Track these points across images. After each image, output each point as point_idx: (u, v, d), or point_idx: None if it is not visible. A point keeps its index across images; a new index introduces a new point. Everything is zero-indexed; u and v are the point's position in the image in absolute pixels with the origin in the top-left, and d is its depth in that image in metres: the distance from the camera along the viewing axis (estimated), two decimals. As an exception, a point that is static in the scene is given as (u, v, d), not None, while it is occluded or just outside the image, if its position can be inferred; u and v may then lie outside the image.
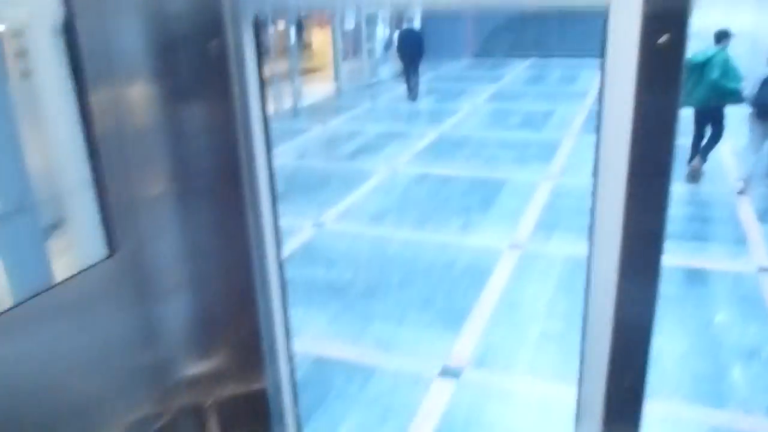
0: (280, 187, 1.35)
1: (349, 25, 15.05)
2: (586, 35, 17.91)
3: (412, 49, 13.29)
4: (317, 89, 15.02)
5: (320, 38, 17.78)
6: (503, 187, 7.78)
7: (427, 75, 16.03)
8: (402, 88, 14.18)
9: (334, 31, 14.93)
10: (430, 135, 10.75)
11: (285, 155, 9.67)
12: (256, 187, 1.24)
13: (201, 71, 1.17)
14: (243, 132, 1.20)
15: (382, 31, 16.39)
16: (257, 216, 1.26)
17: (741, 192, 7.25)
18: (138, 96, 1.16)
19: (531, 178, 8.15)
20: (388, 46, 15.80)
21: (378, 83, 16.02)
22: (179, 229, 1.25)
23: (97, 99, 1.10)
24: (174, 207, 1.23)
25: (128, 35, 1.12)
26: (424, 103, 13.61)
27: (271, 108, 13.02)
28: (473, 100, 13.66)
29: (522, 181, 8.10)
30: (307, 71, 16.10)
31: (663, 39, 0.97)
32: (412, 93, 13.59)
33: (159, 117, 1.19)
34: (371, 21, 16.20)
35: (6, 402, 1.04)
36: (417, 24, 16.18)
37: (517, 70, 17.82)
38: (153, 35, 1.14)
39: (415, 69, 13.51)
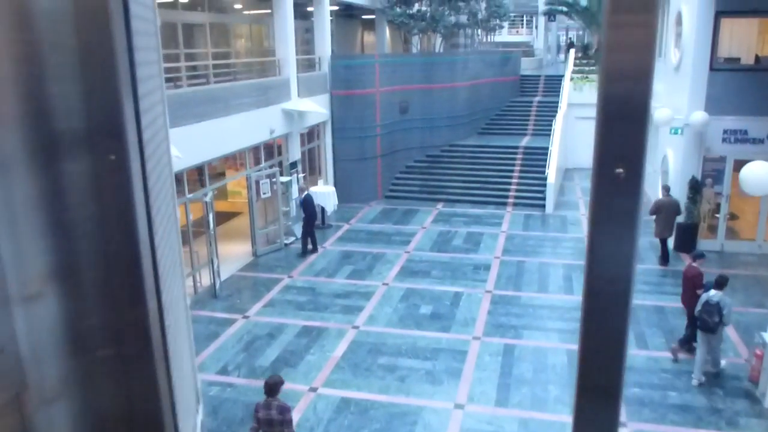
0: None
1: (265, 193, 15.69)
2: (486, 182, 19.68)
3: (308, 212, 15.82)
4: (235, 255, 15.54)
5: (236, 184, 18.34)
6: None
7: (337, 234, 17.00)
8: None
9: (250, 201, 15.52)
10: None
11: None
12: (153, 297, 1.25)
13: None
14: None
15: (296, 193, 17.15)
16: (158, 325, 1.26)
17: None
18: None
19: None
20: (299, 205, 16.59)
21: (292, 242, 16.67)
22: (70, 350, 1.20)
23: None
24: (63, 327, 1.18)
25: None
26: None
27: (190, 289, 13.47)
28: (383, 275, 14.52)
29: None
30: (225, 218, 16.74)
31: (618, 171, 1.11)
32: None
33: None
34: (287, 185, 16.95)
35: None
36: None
37: (427, 222, 18.87)
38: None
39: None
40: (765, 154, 14.02)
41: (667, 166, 16.05)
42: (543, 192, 19.54)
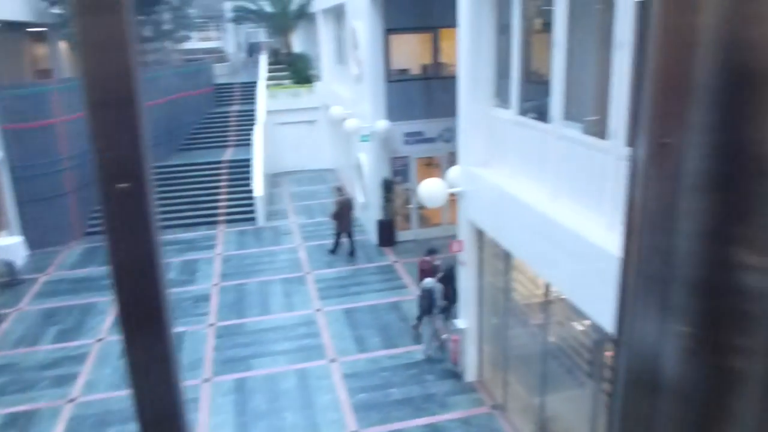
0: None
1: None
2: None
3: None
4: None
5: None
6: None
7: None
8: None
9: None
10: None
11: None
12: None
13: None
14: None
15: None
16: None
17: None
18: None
19: None
20: None
21: None
22: None
23: None
24: None
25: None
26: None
27: None
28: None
29: None
30: None
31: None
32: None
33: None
34: None
35: None
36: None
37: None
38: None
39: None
40: (438, 149, 16.10)
41: (362, 169, 17.43)
42: (252, 205, 19.78)
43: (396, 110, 15.81)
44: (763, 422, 0.88)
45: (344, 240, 16.19)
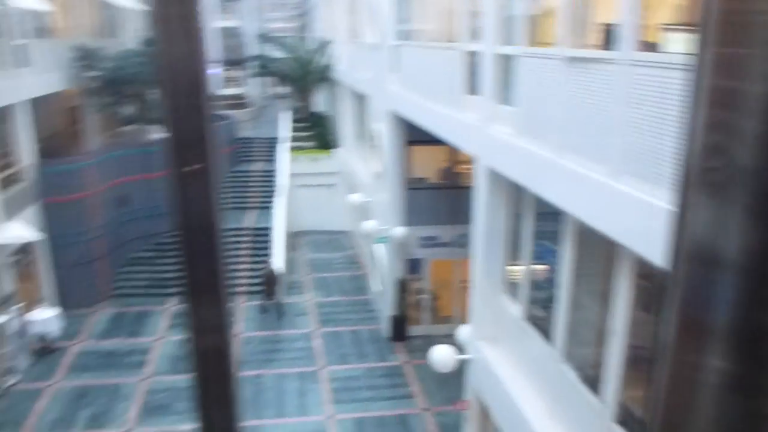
0: None
1: None
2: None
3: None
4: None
5: None
6: None
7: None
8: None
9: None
10: None
11: None
12: None
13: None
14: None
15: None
16: None
17: None
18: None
19: None
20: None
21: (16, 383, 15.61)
22: None
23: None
24: None
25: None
26: None
27: None
28: (127, 416, 14.46)
29: None
30: None
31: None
32: None
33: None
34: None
35: None
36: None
37: (161, 330, 18.86)
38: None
39: None
40: (452, 254, 17.09)
41: (379, 260, 18.49)
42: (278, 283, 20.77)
43: (413, 215, 16.85)
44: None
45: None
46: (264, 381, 15.90)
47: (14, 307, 16.66)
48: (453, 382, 12.28)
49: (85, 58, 21.81)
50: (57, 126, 22.09)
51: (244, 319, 19.29)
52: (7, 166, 17.78)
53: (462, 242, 16.55)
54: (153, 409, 14.69)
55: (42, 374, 16.15)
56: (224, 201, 25.54)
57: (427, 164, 17.49)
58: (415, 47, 14.36)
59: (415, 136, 16.48)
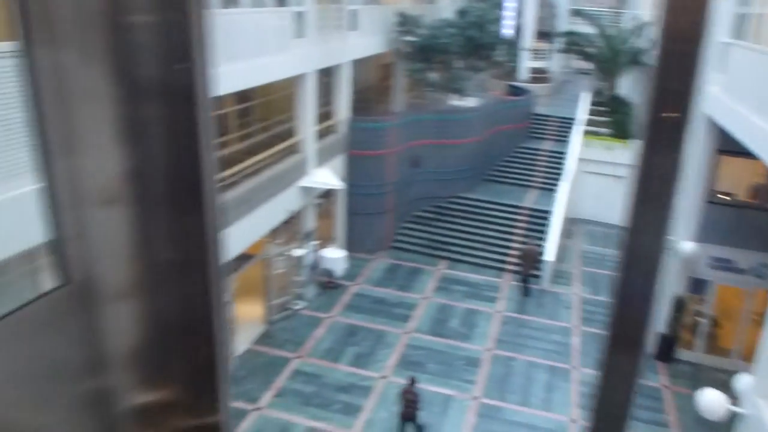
0: None
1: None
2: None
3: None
4: (249, 320, 16.88)
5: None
6: None
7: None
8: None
9: (265, 278, 16.72)
10: None
11: None
12: (212, 208, 1.18)
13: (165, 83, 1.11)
14: (204, 140, 1.14)
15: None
16: (215, 238, 1.20)
17: None
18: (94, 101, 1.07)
19: None
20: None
21: (302, 308, 18.02)
22: (136, 253, 1.18)
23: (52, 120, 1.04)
24: (131, 231, 1.16)
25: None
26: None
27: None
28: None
29: None
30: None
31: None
32: None
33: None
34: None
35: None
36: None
37: (429, 290, 20.09)
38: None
39: None
40: (746, 282, 15.17)
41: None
42: (540, 263, 20.60)
43: (708, 231, 15.21)
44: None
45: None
46: (514, 365, 16.05)
47: (312, 243, 19.06)
48: (717, 427, 11.05)
49: (404, 24, 23.35)
50: (368, 85, 24.24)
51: (506, 298, 19.53)
52: (326, 118, 20.11)
53: (762, 272, 14.59)
54: (409, 364, 15.77)
55: (323, 306, 18.35)
56: (508, 176, 25.80)
57: (737, 178, 15.58)
58: (752, 50, 12.57)
59: (728, 146, 14.71)
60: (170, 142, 1.10)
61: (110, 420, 1.24)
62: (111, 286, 1.17)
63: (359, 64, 21.59)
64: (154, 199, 1.13)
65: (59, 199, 1.08)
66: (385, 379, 15.25)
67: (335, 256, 19.64)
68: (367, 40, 21.43)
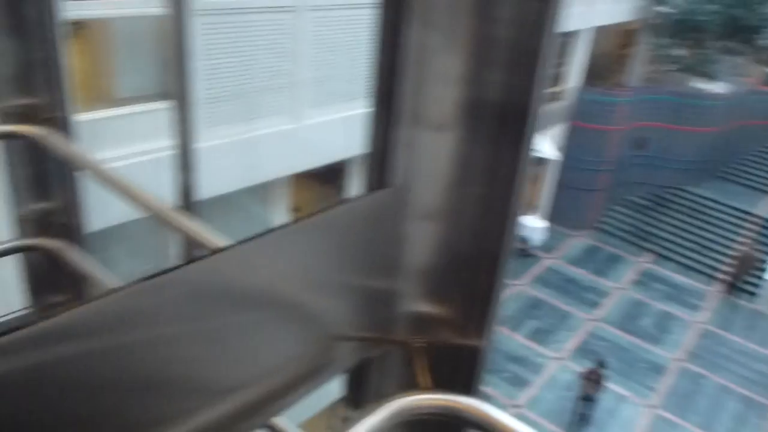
0: None
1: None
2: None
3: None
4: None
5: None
6: None
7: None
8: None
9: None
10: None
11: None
12: (528, 149, 1.20)
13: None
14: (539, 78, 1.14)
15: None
16: (522, 178, 1.22)
17: None
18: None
19: None
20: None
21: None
22: (451, 177, 1.25)
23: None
24: (453, 156, 1.23)
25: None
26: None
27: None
28: None
29: None
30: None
31: None
32: None
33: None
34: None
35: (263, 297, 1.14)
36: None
37: (625, 281, 19.03)
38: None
39: None
40: None
41: None
42: (761, 279, 18.50)
43: None
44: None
45: None
46: (704, 384, 14.85)
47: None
48: None
49: (662, -8, 21.46)
50: (603, 52, 22.76)
51: (711, 309, 17.91)
52: (555, 83, 19.42)
53: None
54: (588, 352, 15.20)
55: (512, 272, 18.19)
56: (745, 177, 23.14)
57: None
58: None
59: None
60: (511, 75, 1.15)
61: (390, 319, 1.37)
62: (424, 200, 1.29)
63: (599, 29, 20.36)
64: (479, 131, 1.21)
65: (398, 118, 1.25)
66: (559, 361, 14.95)
67: (535, 225, 19.31)
68: (613, 7, 20.05)
